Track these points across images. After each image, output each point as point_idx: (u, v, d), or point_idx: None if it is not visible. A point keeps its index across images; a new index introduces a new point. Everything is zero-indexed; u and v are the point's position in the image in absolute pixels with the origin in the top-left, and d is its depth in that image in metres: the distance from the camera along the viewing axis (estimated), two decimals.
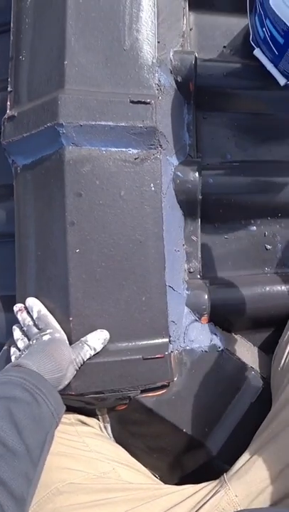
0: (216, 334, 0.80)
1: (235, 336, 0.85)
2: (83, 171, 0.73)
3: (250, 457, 0.70)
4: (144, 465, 0.79)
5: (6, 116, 0.78)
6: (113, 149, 0.74)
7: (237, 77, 0.85)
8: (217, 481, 0.71)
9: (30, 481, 0.54)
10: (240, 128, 0.88)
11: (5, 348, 0.79)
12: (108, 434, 0.80)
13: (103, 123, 0.72)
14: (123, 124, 0.73)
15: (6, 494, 0.49)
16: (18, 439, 0.54)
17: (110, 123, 0.73)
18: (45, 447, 0.58)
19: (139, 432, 0.81)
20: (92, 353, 0.71)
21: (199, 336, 0.79)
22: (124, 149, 0.75)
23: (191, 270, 0.82)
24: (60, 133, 0.71)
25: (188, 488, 0.71)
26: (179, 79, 0.81)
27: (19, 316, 0.75)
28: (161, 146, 0.76)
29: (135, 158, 0.75)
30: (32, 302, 0.74)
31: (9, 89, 0.80)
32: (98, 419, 0.81)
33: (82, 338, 0.71)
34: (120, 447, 0.79)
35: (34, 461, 0.55)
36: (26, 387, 0.60)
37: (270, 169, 0.86)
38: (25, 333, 0.74)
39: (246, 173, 0.85)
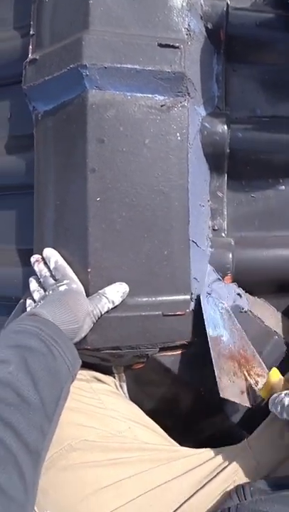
0: (239, 295, 0.76)
1: (258, 300, 0.81)
2: (106, 116, 0.69)
3: (274, 424, 0.67)
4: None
5: (27, 60, 0.75)
6: (139, 95, 0.71)
7: (270, 27, 0.80)
8: (237, 446, 0.68)
9: (45, 436, 0.52)
10: (272, 82, 0.83)
11: (21, 300, 0.77)
12: (124, 393, 0.78)
13: (129, 66, 0.69)
14: (150, 68, 0.69)
15: (20, 446, 0.47)
16: (34, 390, 0.52)
17: (136, 66, 0.69)
18: (60, 402, 0.56)
19: (155, 393, 0.78)
20: (111, 306, 0.68)
21: (222, 296, 0.75)
22: (150, 95, 0.71)
23: (216, 228, 0.78)
24: (83, 75, 0.68)
25: (206, 452, 0.68)
26: (210, 26, 0.77)
27: (36, 267, 0.73)
28: (189, 94, 0.72)
29: (161, 105, 0.71)
30: (49, 253, 0.72)
31: (31, 32, 0.77)
32: (114, 378, 0.78)
33: (100, 291, 0.68)
34: (136, 406, 0.76)
35: (49, 414, 0.53)
36: (42, 337, 0.57)
37: None
38: (41, 285, 0.72)
39: (276, 130, 0.80)
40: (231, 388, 0.67)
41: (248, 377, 0.69)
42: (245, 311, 0.76)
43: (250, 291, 0.80)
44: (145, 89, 0.70)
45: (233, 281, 0.77)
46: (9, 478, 0.44)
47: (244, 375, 0.69)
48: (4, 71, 0.86)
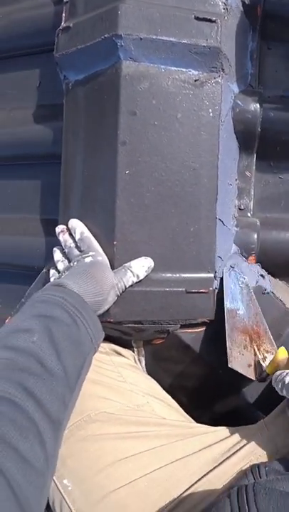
0: (262, 276, 0.76)
1: (280, 282, 0.81)
2: (140, 89, 0.68)
3: None
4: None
5: (60, 27, 0.74)
6: (173, 68, 0.70)
7: None
8: (254, 426, 0.69)
9: (67, 405, 0.52)
10: None
11: (44, 270, 0.77)
12: (142, 368, 0.78)
13: (165, 38, 0.68)
14: (186, 41, 0.68)
15: (42, 415, 0.47)
16: (57, 360, 0.52)
17: (172, 39, 0.68)
18: (82, 373, 0.56)
19: (173, 369, 0.79)
20: (135, 280, 0.68)
21: (244, 272, 0.75)
22: (184, 69, 0.70)
23: (242, 207, 0.78)
24: (118, 45, 0.67)
25: (223, 430, 0.69)
26: (247, 1, 0.75)
27: (61, 238, 0.73)
28: (223, 69, 0.71)
29: (195, 80, 0.70)
30: (75, 223, 0.71)
31: (65, 0, 0.75)
32: (133, 352, 0.79)
33: (125, 264, 0.68)
34: (154, 381, 0.77)
35: (71, 385, 0.53)
36: (66, 308, 0.57)
37: None
38: (66, 255, 0.72)
39: None
40: (240, 360, 0.68)
41: (257, 352, 0.70)
42: (268, 293, 0.75)
43: (273, 273, 0.80)
44: (180, 62, 0.69)
45: (256, 262, 0.77)
46: (31, 446, 0.44)
47: (254, 349, 0.70)
48: (35, 39, 0.85)
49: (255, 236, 0.76)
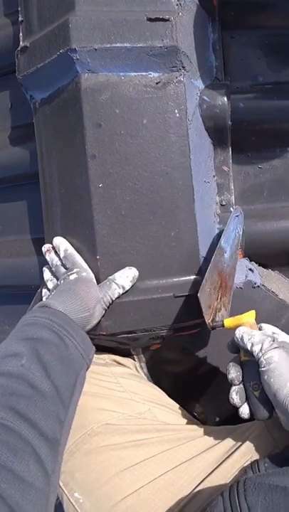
0: (251, 270, 0.75)
1: (273, 273, 0.80)
2: (101, 100, 0.68)
3: None
4: (179, 405, 0.77)
5: (18, 48, 0.73)
6: (132, 74, 0.69)
7: None
8: (254, 422, 0.69)
9: (62, 422, 0.52)
10: (273, 47, 0.80)
11: (39, 290, 0.78)
12: (144, 374, 0.79)
13: (119, 45, 0.67)
14: (141, 45, 0.67)
15: (37, 435, 0.48)
16: (47, 380, 0.52)
17: (127, 44, 0.67)
18: (76, 389, 0.57)
19: (174, 371, 0.79)
20: (121, 291, 0.68)
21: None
22: (144, 73, 0.69)
23: (224, 203, 0.77)
24: (73, 59, 0.66)
25: (224, 430, 0.69)
26: None
27: (47, 257, 0.73)
28: (184, 67, 0.70)
29: (157, 83, 0.69)
30: (58, 241, 0.72)
31: (20, 19, 0.75)
32: (134, 359, 0.79)
33: (109, 277, 0.68)
34: (156, 387, 0.77)
35: (65, 403, 0.54)
36: (53, 328, 0.58)
37: None
38: (54, 274, 0.73)
39: (280, 96, 0.77)
40: (208, 296, 0.67)
41: (218, 300, 0.69)
42: (258, 286, 0.75)
43: (264, 264, 0.79)
44: (138, 67, 0.69)
45: (244, 257, 0.76)
46: (27, 466, 0.45)
47: (218, 295, 0.70)
48: (1, 60, 0.85)
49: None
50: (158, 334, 0.72)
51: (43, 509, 0.46)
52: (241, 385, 0.60)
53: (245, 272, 0.75)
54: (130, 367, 0.78)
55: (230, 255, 0.72)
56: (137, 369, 0.79)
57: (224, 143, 0.76)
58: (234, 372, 0.60)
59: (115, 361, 0.77)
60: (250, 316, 0.63)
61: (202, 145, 0.74)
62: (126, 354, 0.79)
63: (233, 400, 0.60)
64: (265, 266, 0.79)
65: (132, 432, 0.66)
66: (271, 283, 0.76)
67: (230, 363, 0.61)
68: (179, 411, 0.76)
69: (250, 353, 0.59)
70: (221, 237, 0.70)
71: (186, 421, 0.74)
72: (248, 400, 0.60)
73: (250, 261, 0.77)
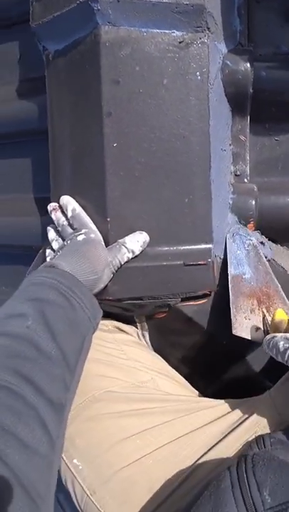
0: (262, 243, 0.74)
1: (282, 248, 0.79)
2: (121, 55, 0.65)
3: None
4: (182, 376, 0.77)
5: None
6: (155, 31, 0.66)
7: None
8: (259, 397, 0.68)
9: (68, 387, 0.51)
10: None
11: (41, 250, 0.76)
12: (146, 343, 0.78)
13: None
14: (167, 1, 0.64)
15: (42, 399, 0.46)
16: (53, 343, 0.51)
17: None
18: (82, 353, 0.55)
19: (178, 341, 0.78)
20: (131, 256, 0.66)
21: (250, 233, 0.72)
22: (167, 31, 0.66)
23: (238, 173, 0.75)
24: (94, 9, 0.63)
25: (228, 403, 0.68)
26: None
27: (53, 216, 0.71)
28: (209, 29, 0.67)
29: (180, 42, 0.66)
30: (66, 201, 0.69)
31: None
32: (136, 327, 0.78)
33: (119, 240, 0.66)
34: (159, 357, 0.76)
35: (71, 366, 0.52)
36: (60, 289, 0.56)
37: None
38: (59, 234, 0.70)
39: None
40: (246, 326, 0.66)
41: (266, 314, 0.68)
42: (269, 260, 0.73)
43: (274, 239, 0.78)
44: (162, 24, 0.66)
45: (256, 229, 0.75)
46: (31, 431, 0.44)
47: (262, 312, 0.69)
48: (10, 10, 0.81)
49: (253, 202, 0.73)
50: (165, 302, 0.70)
51: (47, 475, 0.45)
52: None
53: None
54: (133, 334, 0.76)
55: (255, 268, 0.70)
56: (139, 337, 0.78)
57: (243, 111, 0.74)
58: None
59: (118, 328, 0.76)
60: (279, 314, 0.62)
61: (221, 111, 0.72)
62: (128, 321, 0.77)
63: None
64: (274, 241, 0.78)
65: (134, 401, 0.65)
66: (281, 258, 0.75)
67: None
68: (182, 381, 0.75)
69: None
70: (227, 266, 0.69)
71: (189, 392, 0.74)
72: None
73: (261, 234, 0.76)
